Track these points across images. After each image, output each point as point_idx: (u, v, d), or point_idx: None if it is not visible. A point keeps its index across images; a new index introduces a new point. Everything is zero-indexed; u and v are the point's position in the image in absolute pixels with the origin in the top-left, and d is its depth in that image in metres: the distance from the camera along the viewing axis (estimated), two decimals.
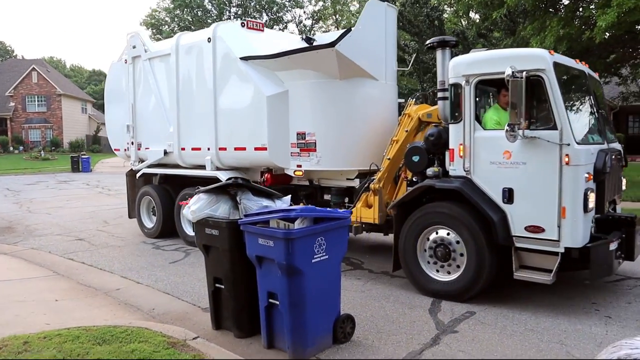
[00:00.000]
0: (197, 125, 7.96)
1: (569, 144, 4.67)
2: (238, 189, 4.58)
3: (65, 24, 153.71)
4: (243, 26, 7.63)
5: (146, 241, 8.83)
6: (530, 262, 5.03)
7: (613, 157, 5.26)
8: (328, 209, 4.70)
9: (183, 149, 8.26)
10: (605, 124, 5.76)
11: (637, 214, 5.63)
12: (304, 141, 6.74)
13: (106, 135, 10.73)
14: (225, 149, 7.55)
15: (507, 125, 4.69)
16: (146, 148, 9.06)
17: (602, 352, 1.03)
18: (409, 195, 5.69)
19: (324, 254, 4.02)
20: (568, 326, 4.62)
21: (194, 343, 4.02)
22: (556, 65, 4.87)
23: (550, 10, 14.47)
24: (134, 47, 9.05)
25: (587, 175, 4.76)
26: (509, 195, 4.98)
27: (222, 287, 4.49)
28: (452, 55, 5.94)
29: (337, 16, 45.30)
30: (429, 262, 5.50)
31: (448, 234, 5.32)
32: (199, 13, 41.82)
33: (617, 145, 5.77)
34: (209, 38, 7.55)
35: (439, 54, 6.06)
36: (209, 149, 7.74)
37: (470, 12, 20.32)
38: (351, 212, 5.92)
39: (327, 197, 7.21)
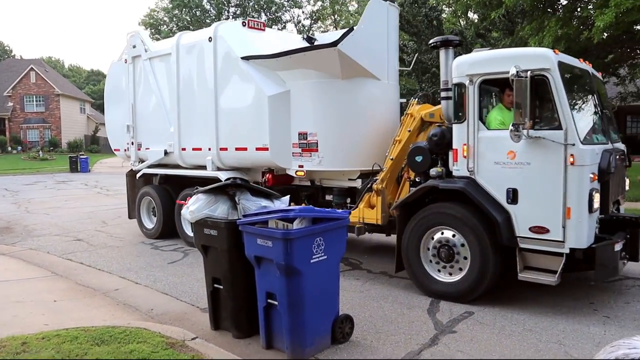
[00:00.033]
0: (198, 125, 7.92)
1: (574, 144, 4.64)
2: (237, 189, 4.56)
3: (63, 24, 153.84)
4: (244, 25, 7.58)
5: (145, 241, 8.78)
6: (535, 263, 4.99)
7: (617, 157, 5.23)
8: (326, 209, 4.67)
9: (184, 149, 8.22)
10: (609, 124, 5.73)
11: (637, 213, 5.60)
12: (305, 141, 6.69)
13: (105, 135, 10.73)
14: (226, 149, 7.50)
15: (512, 125, 4.66)
16: (146, 148, 9.02)
17: (600, 352, 1.01)
18: (412, 196, 5.65)
19: (323, 254, 4.00)
20: (566, 326, 4.60)
21: (192, 343, 4.00)
22: (561, 65, 4.84)
23: (549, 10, 14.48)
24: (134, 46, 9.00)
25: (592, 175, 4.73)
26: (513, 195, 4.93)
27: (221, 287, 4.46)
28: (455, 55, 5.90)
29: (336, 16, 45.37)
30: (431, 261, 5.46)
31: (454, 235, 5.27)
32: (198, 13, 41.82)
33: (620, 145, 5.74)
34: (210, 37, 7.50)
35: (442, 53, 6.01)
36: (210, 149, 7.70)
37: (469, 12, 20.33)
38: (350, 213, 5.88)
39: (329, 197, 7.17)
